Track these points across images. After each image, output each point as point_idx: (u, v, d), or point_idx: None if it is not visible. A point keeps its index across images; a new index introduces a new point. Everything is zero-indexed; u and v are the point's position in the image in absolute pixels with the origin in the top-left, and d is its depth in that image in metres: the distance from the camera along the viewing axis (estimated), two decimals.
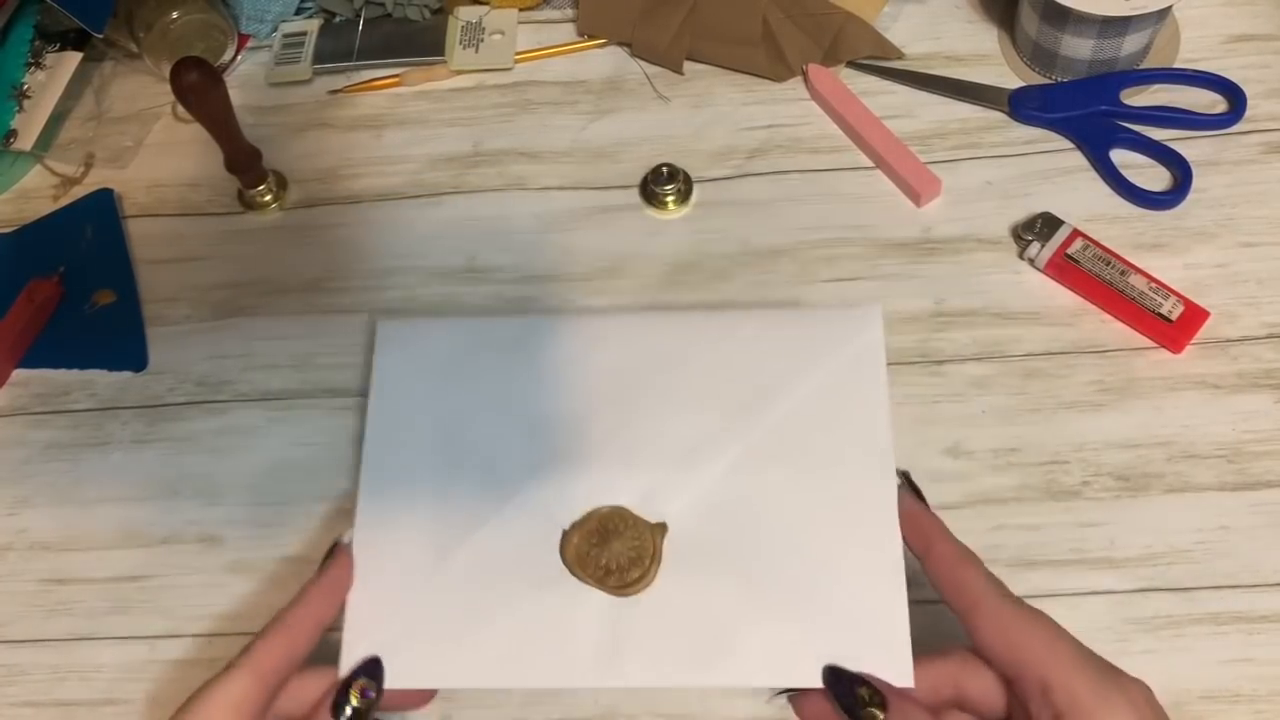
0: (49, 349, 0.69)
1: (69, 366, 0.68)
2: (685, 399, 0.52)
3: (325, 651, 0.50)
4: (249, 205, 0.72)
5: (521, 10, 0.78)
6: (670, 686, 0.50)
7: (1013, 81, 0.71)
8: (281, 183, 0.72)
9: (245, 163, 0.70)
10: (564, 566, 0.49)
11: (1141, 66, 0.70)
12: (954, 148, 0.69)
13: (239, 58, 0.79)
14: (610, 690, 0.55)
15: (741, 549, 0.48)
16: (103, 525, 0.62)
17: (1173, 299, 0.61)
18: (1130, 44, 0.68)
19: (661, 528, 0.49)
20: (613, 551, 0.48)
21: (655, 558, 0.48)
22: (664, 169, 0.69)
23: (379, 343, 0.55)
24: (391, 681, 0.46)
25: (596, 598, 0.48)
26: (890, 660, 0.45)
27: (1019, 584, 0.56)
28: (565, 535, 0.49)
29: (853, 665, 0.45)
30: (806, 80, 0.73)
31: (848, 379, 0.51)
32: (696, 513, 0.49)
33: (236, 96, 0.73)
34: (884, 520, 0.47)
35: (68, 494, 0.63)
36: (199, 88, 0.64)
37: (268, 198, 0.72)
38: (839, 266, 0.66)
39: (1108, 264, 0.62)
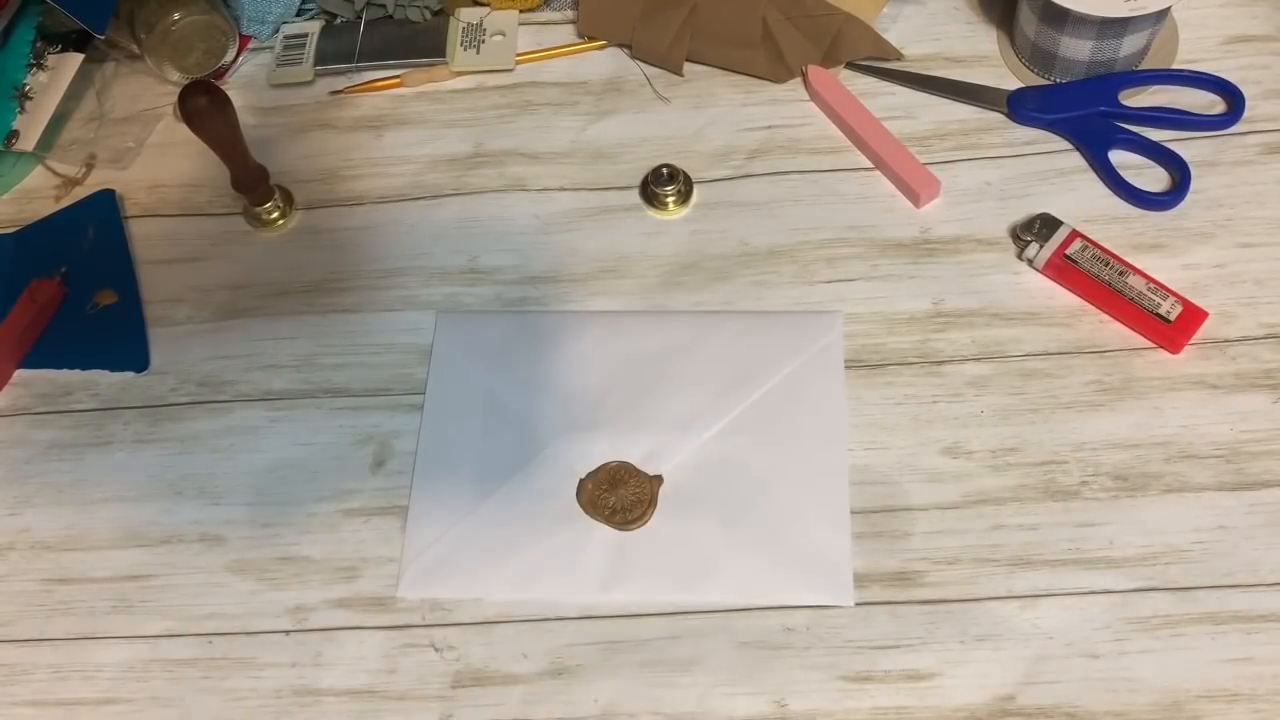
0: (51, 349, 0.69)
1: (71, 367, 0.68)
2: (683, 380, 0.63)
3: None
4: (255, 222, 0.71)
5: (522, 12, 0.78)
6: (659, 603, 0.57)
7: (1011, 83, 0.71)
8: (288, 199, 0.72)
9: (252, 182, 0.69)
10: (579, 507, 0.60)
11: (1140, 67, 0.71)
12: (953, 149, 0.70)
13: (240, 59, 0.79)
14: (610, 685, 0.55)
15: (722, 498, 0.59)
16: (104, 525, 0.62)
17: (1171, 299, 0.61)
18: (1129, 45, 0.68)
19: (659, 479, 0.60)
20: (619, 496, 0.60)
21: (652, 502, 0.59)
22: (664, 170, 0.69)
23: (438, 329, 0.66)
24: (440, 591, 0.58)
25: (604, 532, 0.59)
26: (835, 586, 0.57)
27: (1017, 584, 0.56)
28: (581, 483, 0.60)
29: (805, 589, 0.56)
30: (806, 81, 0.73)
31: (812, 369, 0.63)
32: (687, 469, 0.60)
33: (238, 98, 0.73)
34: (835, 479, 0.59)
35: (69, 494, 0.64)
36: (206, 112, 0.64)
37: (274, 215, 0.71)
38: (838, 267, 0.66)
39: (1106, 264, 0.62)
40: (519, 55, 0.77)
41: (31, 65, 0.76)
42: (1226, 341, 0.61)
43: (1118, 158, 0.67)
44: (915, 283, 0.65)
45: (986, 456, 0.59)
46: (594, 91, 0.75)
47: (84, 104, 0.78)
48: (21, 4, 0.76)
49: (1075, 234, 0.63)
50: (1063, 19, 0.67)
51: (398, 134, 0.75)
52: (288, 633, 0.59)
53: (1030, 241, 0.64)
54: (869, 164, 0.70)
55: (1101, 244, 0.63)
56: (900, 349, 0.63)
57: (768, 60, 0.73)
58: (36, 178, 0.77)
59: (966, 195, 0.68)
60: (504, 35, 0.77)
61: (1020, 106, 0.69)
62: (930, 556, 0.57)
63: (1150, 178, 0.67)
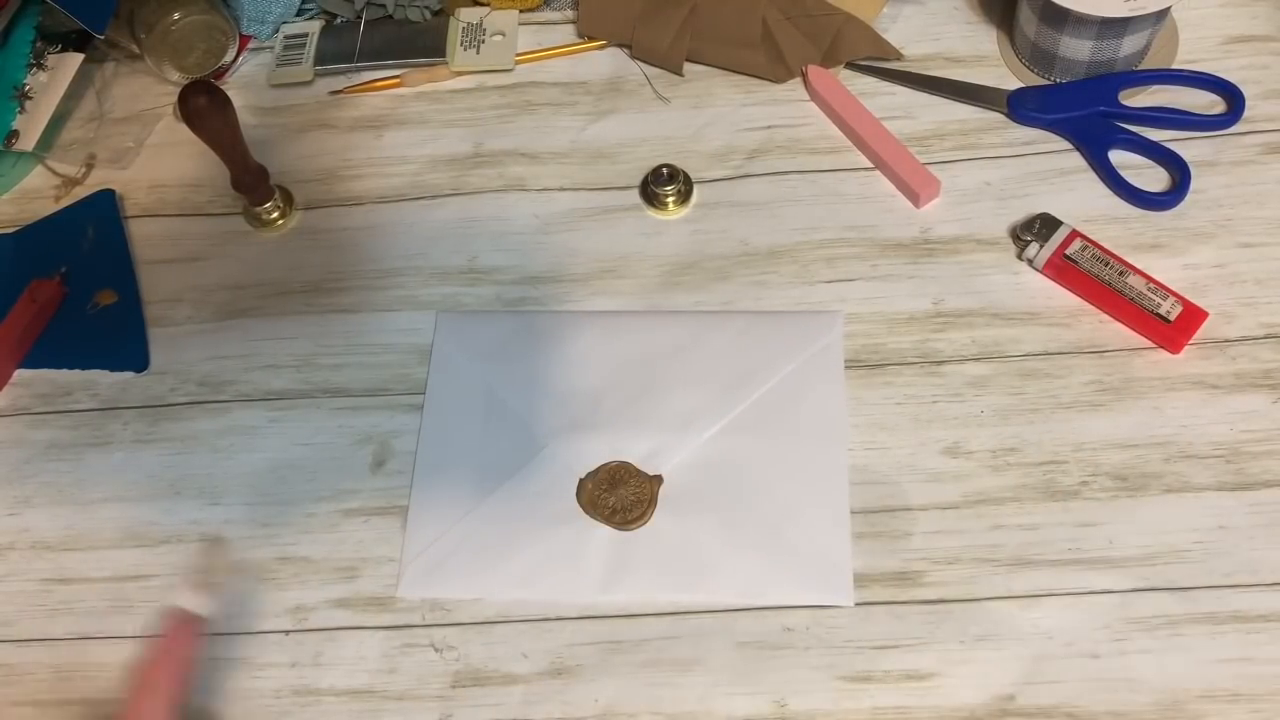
0: (51, 349, 0.69)
1: (71, 366, 0.68)
2: (683, 380, 0.63)
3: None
4: (255, 222, 0.71)
5: (522, 12, 0.78)
6: (659, 603, 0.57)
7: (1011, 83, 0.71)
8: (288, 198, 0.72)
9: (252, 182, 0.69)
10: (579, 507, 0.60)
11: (1140, 67, 0.71)
12: (953, 149, 0.70)
13: (240, 59, 0.79)
14: (610, 685, 0.55)
15: (722, 498, 0.59)
16: (104, 525, 0.62)
17: (1171, 299, 0.61)
18: (1129, 45, 0.68)
19: (659, 479, 0.60)
20: (619, 496, 0.59)
21: (652, 502, 0.59)
22: (664, 170, 0.69)
23: (438, 330, 0.66)
24: (440, 591, 0.58)
25: (604, 531, 0.59)
26: (835, 586, 0.57)
27: (1017, 584, 0.56)
28: (581, 483, 0.60)
29: (805, 589, 0.57)
30: (806, 81, 0.73)
31: (812, 369, 0.62)
32: (687, 469, 0.60)
33: (238, 98, 0.73)
34: (835, 479, 0.59)
35: (69, 494, 0.64)
36: (206, 112, 0.64)
37: (274, 215, 0.71)
38: (838, 267, 0.66)
39: (1106, 264, 0.62)
40: (519, 55, 0.77)
41: (31, 65, 0.77)
42: (1226, 341, 0.61)
43: (1118, 158, 0.67)
44: (915, 283, 0.65)
45: (986, 456, 0.59)
46: (594, 91, 0.75)
47: (84, 104, 0.78)
48: (21, 4, 0.77)
49: (1075, 234, 0.63)
50: (1063, 19, 0.67)
51: (397, 134, 0.75)
52: (288, 633, 0.59)
53: (1030, 241, 0.64)
54: (869, 164, 0.70)
55: (1101, 244, 0.63)
56: (900, 349, 0.63)
57: (768, 60, 0.73)
58: (36, 178, 0.77)
59: (966, 195, 0.68)
60: (504, 35, 0.77)
61: (1020, 106, 0.69)
62: (930, 556, 0.57)
63: (1150, 178, 0.67)
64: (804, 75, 0.73)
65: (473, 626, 0.58)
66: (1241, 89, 0.68)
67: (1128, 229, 0.65)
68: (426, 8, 0.78)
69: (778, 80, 0.73)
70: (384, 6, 0.78)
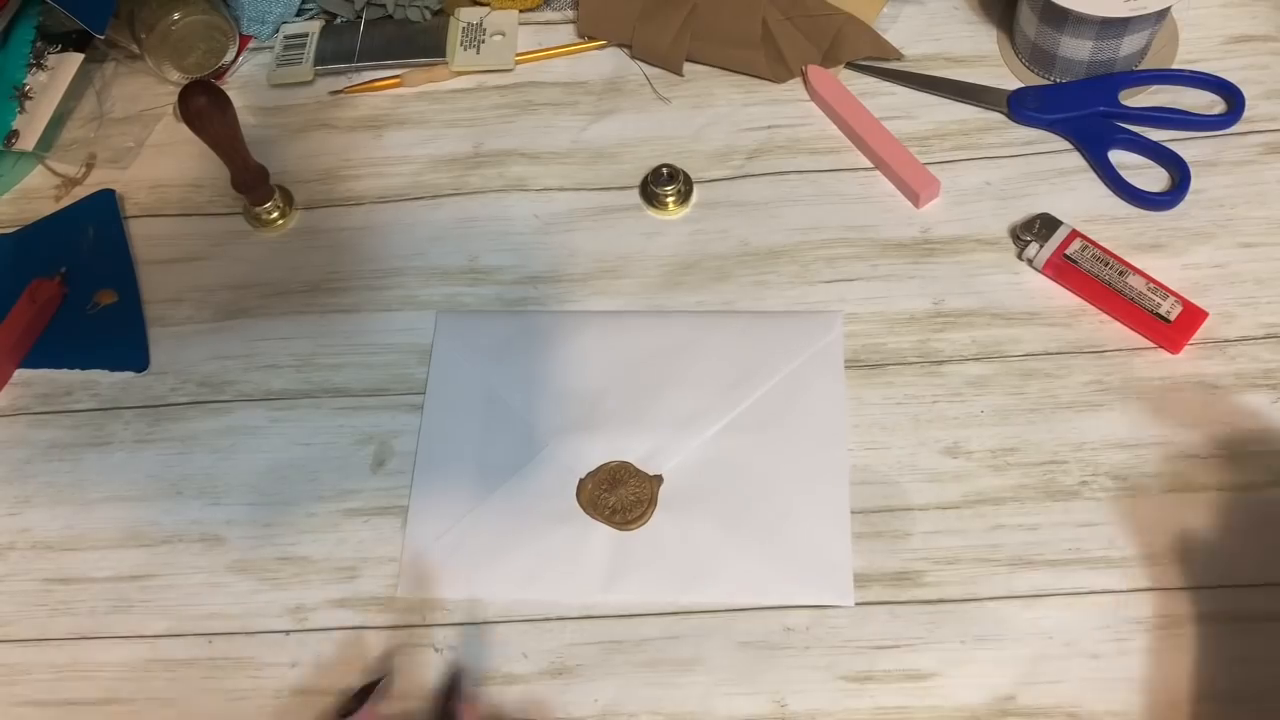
0: (51, 349, 0.69)
1: (71, 366, 0.68)
2: (683, 380, 0.63)
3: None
4: (255, 222, 0.71)
5: (522, 11, 0.78)
6: (659, 603, 0.57)
7: (1011, 83, 0.71)
8: (288, 199, 0.72)
9: (252, 182, 0.69)
10: (579, 507, 0.60)
11: (1140, 67, 0.71)
12: (953, 149, 0.70)
13: (240, 59, 0.79)
14: (610, 685, 0.55)
15: (722, 498, 0.59)
16: (105, 525, 0.62)
17: (1171, 299, 0.61)
18: (1129, 45, 0.68)
19: (659, 479, 0.60)
20: (619, 496, 0.60)
21: (652, 502, 0.59)
22: (664, 170, 0.69)
23: (438, 330, 0.66)
24: (440, 591, 0.58)
25: (604, 531, 0.59)
26: (835, 586, 0.57)
27: (1018, 583, 0.56)
28: (581, 482, 0.60)
29: (806, 588, 0.57)
30: (806, 81, 0.73)
31: (812, 369, 0.62)
32: (687, 469, 0.60)
33: (238, 98, 0.73)
34: (835, 479, 0.59)
35: (70, 494, 0.64)
36: (206, 112, 0.64)
37: (274, 215, 0.71)
38: (838, 267, 0.66)
39: (1106, 264, 0.62)
40: (519, 55, 0.77)
41: (31, 65, 0.77)
42: (1226, 341, 0.61)
43: (1118, 158, 0.67)
44: (915, 283, 0.65)
45: (986, 456, 0.60)
46: (594, 91, 0.75)
47: (84, 104, 0.78)
48: (21, 4, 0.76)
49: (1075, 234, 0.63)
50: (1063, 19, 0.67)
51: (398, 134, 0.75)
52: (288, 633, 0.59)
53: (1030, 241, 0.64)
54: (869, 164, 0.70)
55: (1101, 244, 0.63)
56: (900, 349, 0.63)
57: (768, 60, 0.73)
58: (36, 178, 0.77)
59: (966, 195, 0.68)
60: (504, 35, 0.77)
61: (1020, 106, 0.69)
62: (930, 556, 0.57)
63: (1150, 178, 0.67)
64: (804, 75, 0.73)
65: (473, 626, 0.58)
66: (1241, 89, 0.68)
67: (1128, 229, 0.65)
68: (426, 8, 0.78)
69: (778, 80, 0.73)
70: (384, 6, 0.78)
